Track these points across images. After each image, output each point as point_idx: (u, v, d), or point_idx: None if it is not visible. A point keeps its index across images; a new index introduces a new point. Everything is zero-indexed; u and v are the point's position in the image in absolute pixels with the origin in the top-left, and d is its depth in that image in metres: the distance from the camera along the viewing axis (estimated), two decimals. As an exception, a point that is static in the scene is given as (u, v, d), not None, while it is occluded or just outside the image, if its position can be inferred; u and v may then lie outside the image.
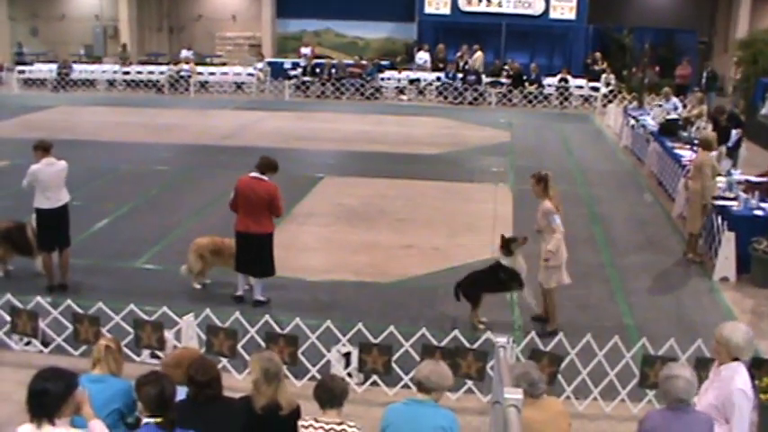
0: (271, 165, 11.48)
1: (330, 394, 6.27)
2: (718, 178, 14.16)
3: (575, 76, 34.17)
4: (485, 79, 34.20)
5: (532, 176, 10.74)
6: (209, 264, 12.15)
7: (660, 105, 24.04)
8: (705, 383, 6.47)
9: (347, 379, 7.57)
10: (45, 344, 9.93)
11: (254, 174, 11.33)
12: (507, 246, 10.85)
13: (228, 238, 11.82)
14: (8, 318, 9.90)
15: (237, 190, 11.30)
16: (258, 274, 11.55)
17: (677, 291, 12.61)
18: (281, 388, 6.34)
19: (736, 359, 6.32)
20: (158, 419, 5.52)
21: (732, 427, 6.16)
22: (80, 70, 37.20)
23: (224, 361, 9.17)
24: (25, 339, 9.98)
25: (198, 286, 12.18)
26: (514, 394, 3.62)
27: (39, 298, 10.19)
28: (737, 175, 14.96)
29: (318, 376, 8.75)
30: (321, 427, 6.16)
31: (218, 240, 12.11)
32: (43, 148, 11.61)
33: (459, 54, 35.68)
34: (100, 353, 6.53)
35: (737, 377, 6.24)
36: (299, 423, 6.23)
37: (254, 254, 11.39)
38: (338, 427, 6.16)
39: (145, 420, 5.60)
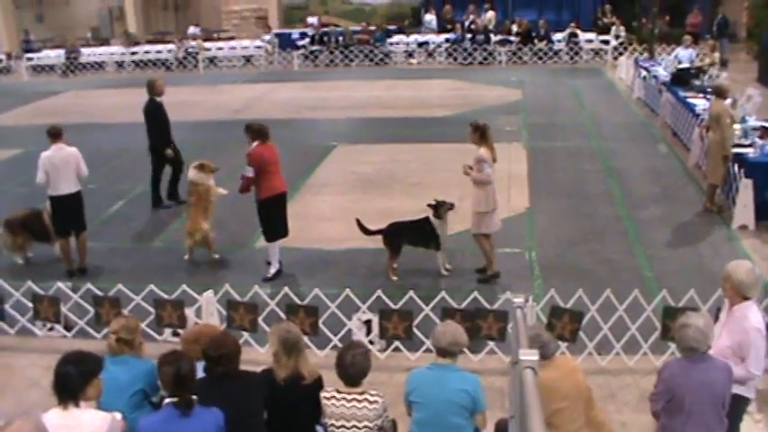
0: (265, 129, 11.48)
1: (348, 378, 6.28)
2: (735, 126, 14.01)
3: (584, 30, 33.87)
4: (494, 38, 33.95)
5: (470, 125, 11.02)
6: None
7: (675, 56, 23.70)
8: (718, 326, 6.48)
9: (370, 347, 7.59)
10: (68, 328, 10.01)
11: (257, 142, 11.26)
12: (436, 209, 11.27)
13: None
14: (31, 305, 9.97)
15: (263, 159, 11.14)
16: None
17: (696, 241, 12.53)
18: (302, 358, 6.35)
19: (746, 298, 6.40)
20: (176, 399, 5.56)
21: (748, 365, 6.25)
22: (88, 53, 37.20)
23: (246, 335, 9.23)
24: (48, 325, 10.07)
25: (217, 256, 12.34)
26: (530, 356, 3.61)
27: (59, 283, 10.25)
28: (752, 121, 14.82)
29: (340, 345, 8.83)
30: (344, 398, 6.20)
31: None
32: (52, 135, 11.60)
33: (466, 14, 35.41)
34: (113, 346, 6.52)
35: (751, 315, 6.32)
36: (322, 394, 6.26)
37: (285, 213, 11.60)
38: (360, 397, 6.20)
39: (166, 400, 5.63)
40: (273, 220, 11.51)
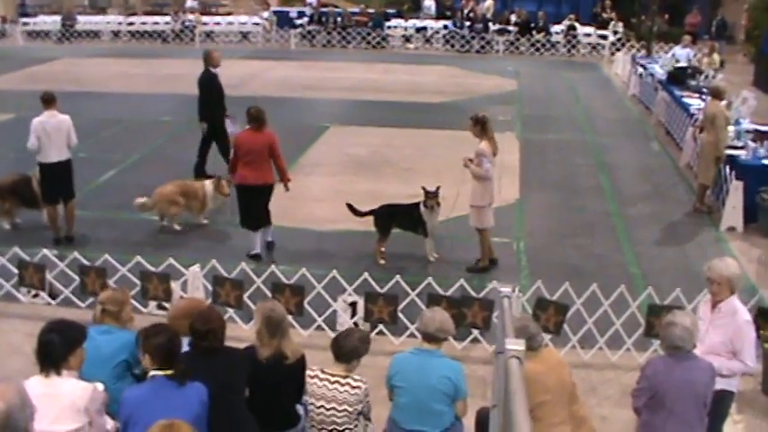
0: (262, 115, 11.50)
1: (339, 351, 6.33)
2: (729, 128, 14.01)
3: (583, 24, 33.83)
4: (492, 27, 33.89)
5: (471, 118, 10.86)
6: (183, 207, 12.64)
7: (672, 55, 23.65)
8: (702, 325, 6.51)
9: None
10: (53, 296, 9.98)
11: (249, 126, 11.36)
12: (426, 198, 11.21)
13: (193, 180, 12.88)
14: (16, 271, 9.94)
15: (240, 146, 11.32)
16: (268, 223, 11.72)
17: (684, 241, 12.58)
18: (285, 338, 6.32)
19: (733, 292, 6.57)
20: (168, 372, 5.47)
21: (745, 358, 6.41)
22: (84, 21, 36.97)
23: (230, 311, 9.22)
24: (33, 292, 10.04)
25: (178, 227, 12.60)
26: (516, 345, 3.61)
27: (45, 250, 10.21)
28: (746, 124, 14.85)
29: (324, 326, 8.89)
30: (326, 379, 6.22)
31: (187, 183, 12.89)
32: (45, 101, 11.53)
33: (465, 1, 35.32)
34: (96, 315, 6.52)
35: (740, 310, 6.51)
36: (306, 373, 6.27)
37: (255, 206, 11.49)
38: (343, 381, 6.22)
39: (152, 373, 5.53)
40: (241, 208, 11.53)
